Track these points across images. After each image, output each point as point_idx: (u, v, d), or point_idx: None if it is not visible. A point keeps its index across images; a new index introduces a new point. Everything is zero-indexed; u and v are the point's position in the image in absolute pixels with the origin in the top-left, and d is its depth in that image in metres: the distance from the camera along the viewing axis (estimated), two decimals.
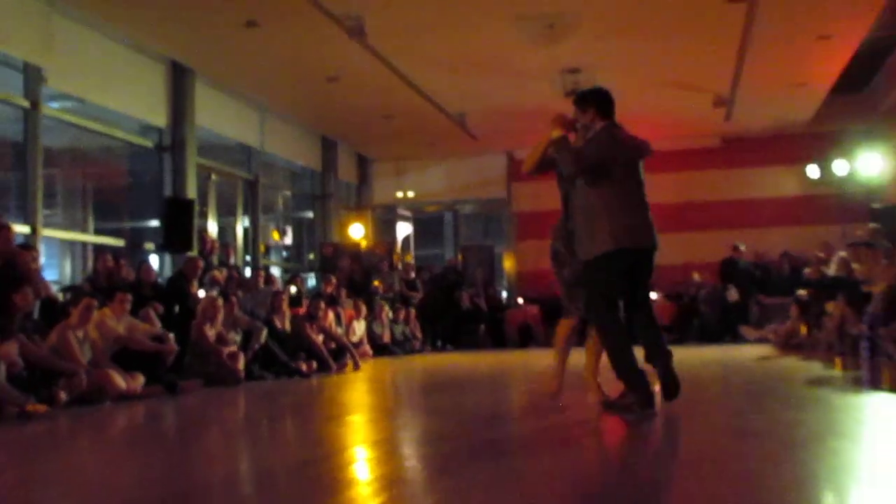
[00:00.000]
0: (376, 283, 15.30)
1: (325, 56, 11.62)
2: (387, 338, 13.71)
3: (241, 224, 14.13)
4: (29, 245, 8.33)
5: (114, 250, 10.59)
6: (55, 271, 11.60)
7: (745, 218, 16.66)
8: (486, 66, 12.24)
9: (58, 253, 11.90)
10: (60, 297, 8.69)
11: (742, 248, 15.43)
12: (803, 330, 11.67)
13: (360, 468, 3.88)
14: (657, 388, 5.18)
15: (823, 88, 13.95)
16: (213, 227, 13.05)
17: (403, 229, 19.01)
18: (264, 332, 9.50)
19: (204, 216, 12.71)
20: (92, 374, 6.92)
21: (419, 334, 14.86)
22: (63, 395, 6.51)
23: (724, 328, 14.52)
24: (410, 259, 18.35)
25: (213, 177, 13.23)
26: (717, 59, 12.00)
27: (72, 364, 6.82)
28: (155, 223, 12.21)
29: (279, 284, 12.49)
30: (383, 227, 18.73)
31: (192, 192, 11.86)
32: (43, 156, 9.66)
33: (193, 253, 11.02)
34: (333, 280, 13.47)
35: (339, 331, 11.45)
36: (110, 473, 4.04)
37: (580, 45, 11.21)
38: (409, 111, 14.32)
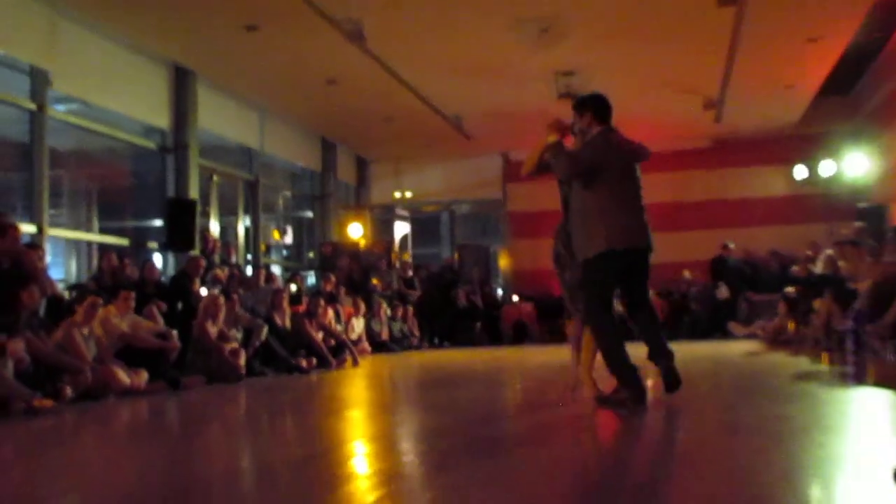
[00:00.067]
0: (375, 281, 15.29)
1: (324, 59, 11.61)
2: (385, 335, 13.71)
3: (243, 224, 14.12)
4: (35, 244, 8.31)
5: (118, 249, 10.58)
6: (61, 270, 11.58)
7: (734, 217, 16.69)
8: (482, 70, 12.24)
9: (63, 252, 11.90)
10: (66, 295, 8.69)
11: (731, 246, 15.46)
12: (791, 326, 11.69)
13: (359, 463, 3.87)
14: (650, 383, 5.22)
15: (811, 91, 13.98)
16: (214, 227, 13.04)
17: (401, 229, 19.00)
18: (265, 330, 9.49)
19: (206, 216, 12.70)
20: (97, 371, 6.91)
21: (416, 331, 14.86)
22: (69, 391, 6.50)
23: (713, 325, 14.54)
24: (408, 258, 18.34)
25: (215, 177, 13.22)
26: (708, 61, 12.01)
27: (77, 361, 6.80)
28: (158, 223, 12.20)
29: (279, 283, 12.48)
30: (381, 227, 18.72)
31: (194, 192, 11.86)
32: (49, 157, 9.67)
33: (196, 252, 11.01)
34: (333, 278, 13.47)
35: (339, 328, 11.45)
36: (114, 467, 4.04)
37: (574, 49, 11.22)
38: (407, 113, 14.31)
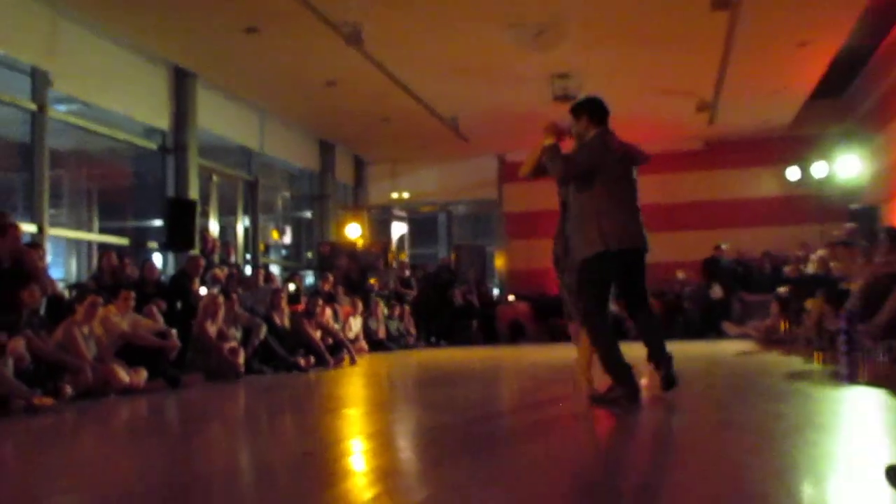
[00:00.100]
0: (372, 280, 15.29)
1: (323, 61, 11.61)
2: (382, 333, 13.71)
3: (242, 224, 14.11)
4: (36, 244, 8.29)
5: (118, 249, 10.56)
6: (61, 269, 11.56)
7: (727, 218, 16.71)
8: (478, 72, 12.25)
9: (64, 251, 11.87)
10: (66, 294, 8.68)
11: (724, 247, 15.47)
12: (783, 326, 11.71)
13: (357, 460, 3.86)
14: (644, 382, 5.24)
15: (803, 93, 14.00)
16: (214, 227, 13.03)
17: (398, 229, 19.00)
18: (264, 328, 9.49)
19: (205, 216, 12.69)
20: (97, 369, 6.90)
21: (413, 330, 14.86)
22: (69, 389, 6.49)
23: (707, 324, 14.55)
24: (405, 258, 18.34)
25: (215, 178, 13.21)
26: (701, 65, 12.03)
27: (77, 359, 6.79)
28: (158, 223, 12.18)
29: (278, 282, 12.47)
30: (379, 227, 18.72)
31: (194, 192, 11.85)
32: (49, 157, 9.64)
33: (195, 252, 11.00)
34: (331, 278, 13.47)
35: (337, 327, 11.43)
36: (114, 465, 4.03)
37: (570, 52, 11.23)
38: (405, 115, 14.31)
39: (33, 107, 9.44)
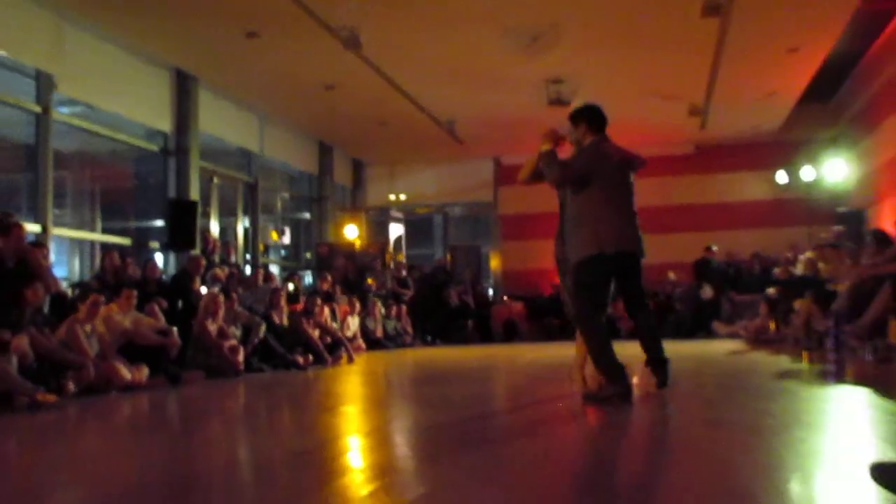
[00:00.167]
0: (369, 280, 15.28)
1: (322, 66, 11.61)
2: (379, 332, 13.69)
3: (242, 224, 14.10)
4: (40, 243, 8.29)
5: (120, 249, 10.56)
6: (64, 268, 11.54)
7: (717, 220, 16.74)
8: (474, 77, 12.25)
9: (67, 251, 11.86)
10: (69, 292, 8.66)
11: (715, 248, 15.49)
12: (772, 326, 11.73)
13: (354, 457, 3.86)
14: (635, 381, 5.26)
15: (792, 98, 14.02)
16: (214, 227, 13.02)
17: (395, 230, 19.00)
18: (263, 327, 9.48)
19: (206, 217, 12.67)
20: (99, 366, 6.89)
21: (410, 329, 14.85)
22: (71, 386, 6.49)
23: (698, 324, 14.55)
24: (402, 258, 18.33)
25: (215, 179, 13.19)
26: (693, 70, 12.04)
27: (80, 356, 6.78)
28: (160, 223, 12.17)
29: (277, 282, 12.46)
30: (376, 228, 18.71)
31: (194, 193, 11.84)
32: (53, 158, 9.62)
33: (196, 251, 10.99)
34: (329, 278, 13.46)
35: (335, 326, 11.42)
36: (116, 460, 4.02)
37: (564, 57, 11.24)
38: (402, 118, 14.31)
39: (38, 109, 9.43)
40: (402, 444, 4.36)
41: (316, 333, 10.31)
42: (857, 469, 2.79)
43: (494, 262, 18.75)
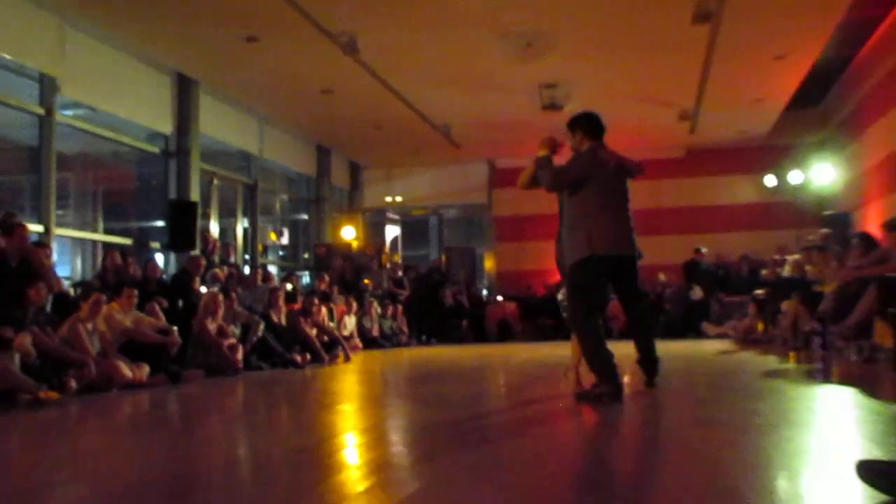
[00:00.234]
0: (366, 281, 15.27)
1: (320, 70, 11.60)
2: (376, 332, 13.69)
3: (241, 225, 14.08)
4: (42, 243, 8.27)
5: (122, 249, 10.52)
6: (67, 268, 11.51)
7: (707, 223, 16.78)
8: (470, 81, 12.26)
9: (69, 251, 11.82)
10: (71, 292, 8.64)
11: (704, 250, 15.52)
12: (760, 326, 11.75)
13: (350, 454, 3.86)
14: (626, 380, 5.30)
15: (780, 104, 14.06)
16: (214, 228, 13.00)
17: (392, 231, 19.02)
18: (262, 326, 9.47)
19: (206, 217, 12.65)
20: (100, 364, 6.88)
21: (406, 329, 14.85)
22: (73, 384, 6.47)
23: (687, 324, 14.58)
24: (398, 259, 18.33)
25: (215, 181, 13.17)
26: (683, 75, 12.07)
27: (82, 355, 6.77)
28: (160, 224, 12.15)
29: (276, 282, 12.45)
30: (373, 230, 18.72)
31: (195, 195, 11.82)
32: (56, 160, 9.60)
33: (196, 252, 10.98)
34: (326, 278, 13.46)
35: (332, 325, 11.43)
36: (117, 457, 4.01)
37: (557, 62, 11.24)
38: (399, 122, 14.31)
39: (41, 111, 9.41)
40: (397, 442, 4.35)
41: (313, 332, 10.30)
42: (843, 467, 2.80)
43: (489, 263, 18.76)
